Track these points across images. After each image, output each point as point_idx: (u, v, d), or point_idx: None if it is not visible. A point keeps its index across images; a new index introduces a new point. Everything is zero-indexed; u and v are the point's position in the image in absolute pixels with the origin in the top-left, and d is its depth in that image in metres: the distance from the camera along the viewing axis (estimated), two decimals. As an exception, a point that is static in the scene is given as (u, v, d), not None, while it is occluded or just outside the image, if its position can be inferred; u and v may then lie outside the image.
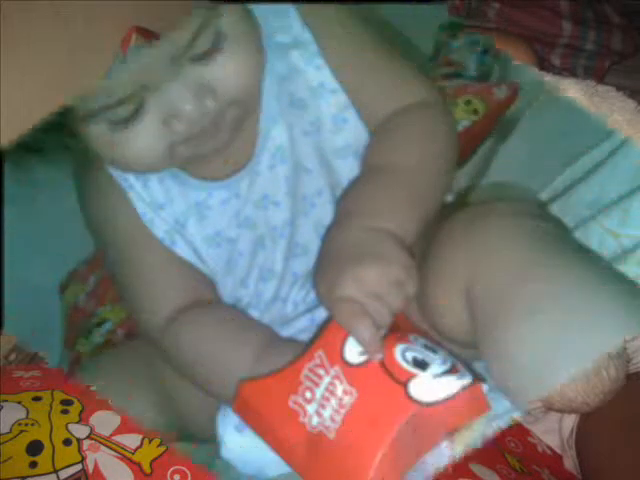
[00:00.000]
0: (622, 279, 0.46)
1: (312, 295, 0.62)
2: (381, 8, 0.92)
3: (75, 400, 0.52)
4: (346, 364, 0.47)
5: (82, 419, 0.50)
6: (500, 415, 0.47)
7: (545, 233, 0.48)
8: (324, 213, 0.60)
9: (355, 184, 0.57)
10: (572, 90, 0.61)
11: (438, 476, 0.46)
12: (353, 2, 0.64)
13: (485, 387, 0.47)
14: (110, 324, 1.05)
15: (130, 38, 0.45)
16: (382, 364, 0.46)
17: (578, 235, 0.55)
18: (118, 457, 0.48)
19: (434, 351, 0.48)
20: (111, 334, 1.03)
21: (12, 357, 0.76)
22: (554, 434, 0.56)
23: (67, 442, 0.48)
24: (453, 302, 0.49)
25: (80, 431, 0.49)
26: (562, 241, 0.49)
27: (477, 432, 0.47)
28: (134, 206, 0.61)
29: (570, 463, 0.54)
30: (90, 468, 0.46)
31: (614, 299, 0.42)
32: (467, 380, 0.46)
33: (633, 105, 0.59)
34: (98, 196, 0.63)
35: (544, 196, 0.68)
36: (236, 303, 0.64)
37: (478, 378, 0.47)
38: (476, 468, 0.50)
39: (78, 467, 0.46)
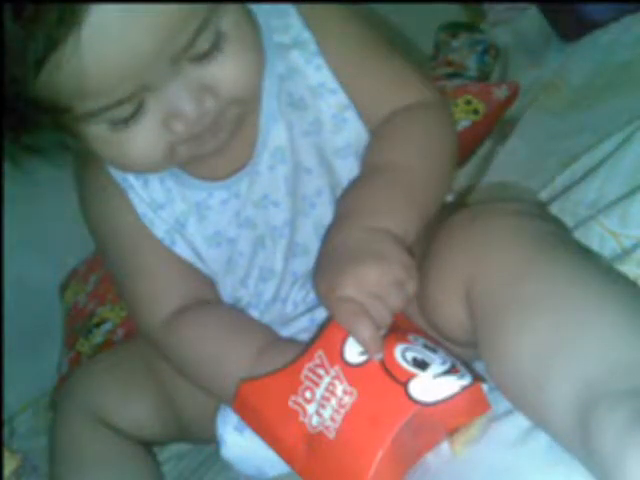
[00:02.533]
0: (622, 279, 0.46)
1: (312, 295, 0.62)
2: (381, 8, 0.93)
3: None
4: (346, 364, 0.47)
5: None
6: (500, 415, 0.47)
7: (545, 233, 0.48)
8: (324, 213, 0.60)
9: (355, 184, 0.57)
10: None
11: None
12: (353, 2, 0.64)
13: (485, 387, 0.47)
14: (110, 324, 1.05)
15: None
16: (382, 364, 0.46)
17: (578, 235, 0.55)
18: None
19: (434, 351, 0.48)
20: (111, 334, 1.04)
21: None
22: None
23: None
24: (453, 302, 0.49)
25: None
26: (562, 241, 0.49)
27: (477, 432, 0.47)
28: (134, 206, 0.61)
29: None
30: None
31: (614, 299, 0.42)
32: (467, 380, 0.46)
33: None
34: (98, 196, 0.63)
35: (544, 196, 0.68)
36: (236, 303, 0.64)
37: (478, 378, 0.47)
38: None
39: None
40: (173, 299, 0.61)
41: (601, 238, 0.55)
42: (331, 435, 0.46)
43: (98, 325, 1.06)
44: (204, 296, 0.62)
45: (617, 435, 0.36)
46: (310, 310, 0.62)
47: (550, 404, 0.40)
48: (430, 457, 0.48)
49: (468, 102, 1.01)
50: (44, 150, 0.53)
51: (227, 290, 0.64)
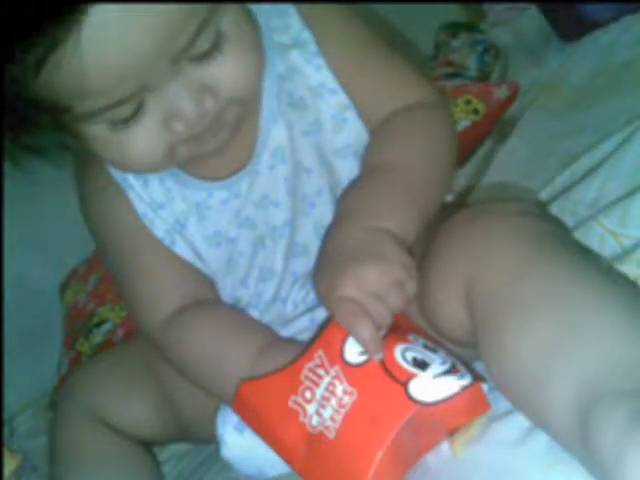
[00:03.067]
0: (622, 279, 0.46)
1: (312, 295, 0.62)
2: (381, 8, 0.93)
3: None
4: (346, 364, 0.47)
5: None
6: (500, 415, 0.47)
7: (545, 233, 0.48)
8: (324, 213, 0.60)
9: (355, 184, 0.57)
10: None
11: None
12: (353, 2, 0.64)
13: (485, 387, 0.47)
14: (110, 324, 1.05)
15: None
16: (382, 364, 0.46)
17: (578, 235, 0.55)
18: None
19: (434, 351, 0.48)
20: (111, 334, 1.04)
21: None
22: None
23: None
24: (453, 302, 0.49)
25: None
26: (562, 241, 0.49)
27: (477, 432, 0.47)
28: (134, 206, 0.61)
29: None
30: None
31: (614, 299, 0.42)
32: (467, 380, 0.46)
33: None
34: (98, 196, 0.63)
35: (544, 196, 0.68)
36: (236, 303, 0.64)
37: (478, 378, 0.47)
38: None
39: None
40: (173, 299, 0.61)
41: (601, 238, 0.55)
42: (331, 435, 0.46)
43: (98, 325, 1.06)
44: (204, 296, 0.62)
45: (617, 435, 0.36)
46: (310, 310, 0.62)
47: (550, 404, 0.40)
48: (430, 457, 0.48)
49: (468, 102, 1.01)
50: (44, 150, 0.53)
51: (227, 290, 0.64)
